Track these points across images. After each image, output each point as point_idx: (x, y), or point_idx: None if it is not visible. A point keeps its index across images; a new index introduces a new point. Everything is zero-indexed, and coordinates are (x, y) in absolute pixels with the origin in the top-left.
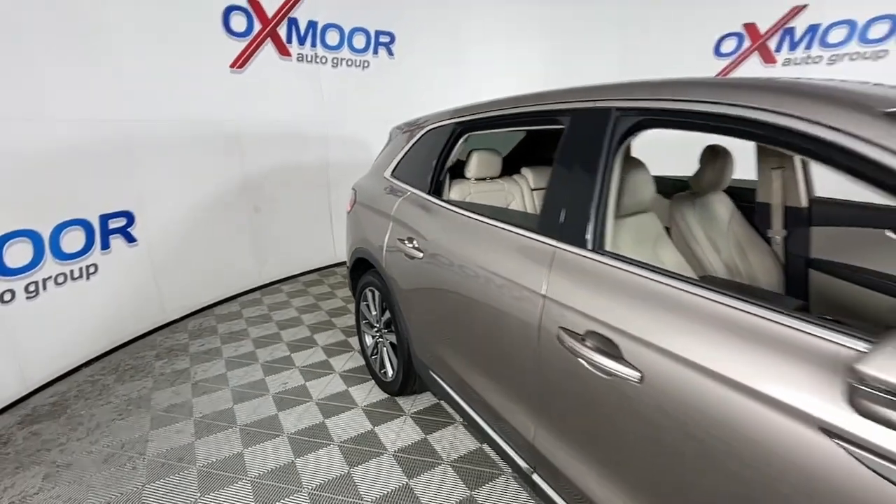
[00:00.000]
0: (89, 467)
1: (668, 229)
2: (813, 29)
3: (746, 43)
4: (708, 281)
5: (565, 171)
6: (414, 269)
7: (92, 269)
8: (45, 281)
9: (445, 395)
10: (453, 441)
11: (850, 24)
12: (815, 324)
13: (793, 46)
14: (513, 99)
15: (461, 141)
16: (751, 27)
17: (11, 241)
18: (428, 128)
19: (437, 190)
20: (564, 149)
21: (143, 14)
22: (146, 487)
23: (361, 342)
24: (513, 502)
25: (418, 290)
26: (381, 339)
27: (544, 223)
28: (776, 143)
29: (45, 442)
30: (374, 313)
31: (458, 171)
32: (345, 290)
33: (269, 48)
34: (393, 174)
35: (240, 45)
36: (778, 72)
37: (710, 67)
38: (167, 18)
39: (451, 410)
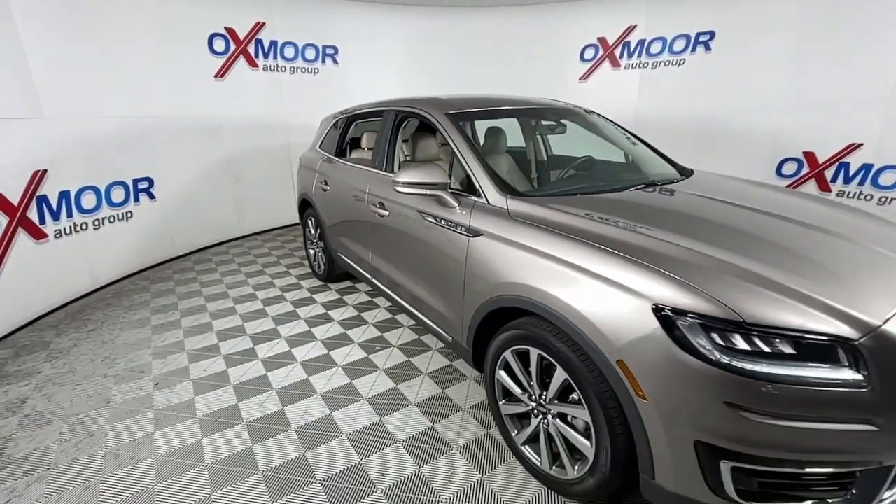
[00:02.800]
0: (142, 319)
1: None
2: (641, 43)
3: (601, 52)
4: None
5: (381, 138)
6: (326, 198)
7: (129, 215)
8: (103, 219)
9: (347, 265)
10: (374, 317)
11: (662, 40)
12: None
13: (630, 55)
14: (368, 104)
15: (352, 126)
16: (603, 40)
17: (85, 192)
18: (335, 118)
19: (340, 153)
20: (382, 128)
21: (157, 45)
22: (184, 328)
23: (307, 253)
24: (434, 379)
25: (329, 209)
26: (315, 249)
27: (373, 163)
28: (423, 120)
29: (116, 308)
30: (312, 233)
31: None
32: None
33: (241, 62)
34: (319, 146)
35: (220, 61)
36: (622, 74)
37: (577, 70)
38: (172, 45)
39: (360, 287)
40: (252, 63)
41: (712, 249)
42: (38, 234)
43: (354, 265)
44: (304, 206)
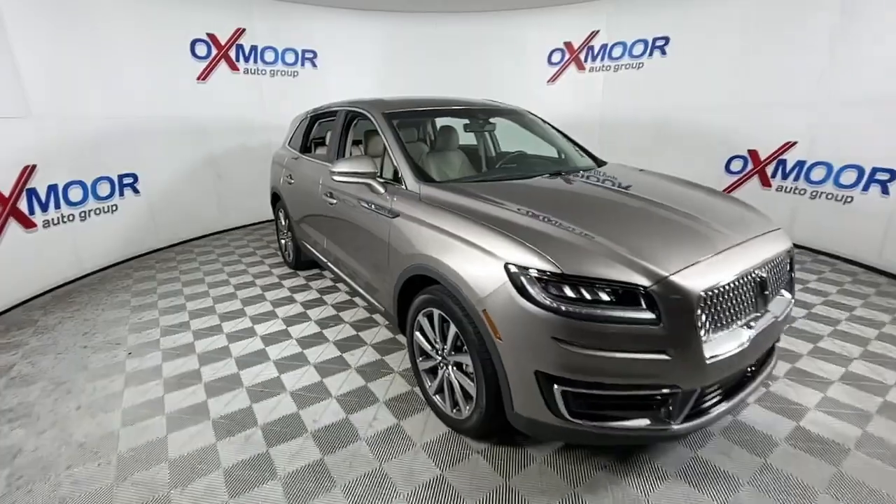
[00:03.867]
0: (123, 301)
1: None
2: (603, 47)
3: (567, 55)
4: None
5: (334, 135)
6: (291, 191)
7: (115, 208)
8: (90, 211)
9: (310, 252)
10: (333, 299)
11: (623, 44)
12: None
13: (593, 59)
14: (327, 105)
15: (315, 125)
16: (569, 44)
17: (72, 186)
18: (302, 118)
19: (305, 150)
20: (334, 126)
21: (141, 49)
22: (160, 308)
23: (279, 243)
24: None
25: (294, 201)
26: (285, 238)
27: (327, 158)
28: (365, 118)
29: (99, 292)
30: (282, 224)
31: (322, 142)
32: None
33: (223, 66)
34: (288, 144)
35: (203, 64)
36: (587, 76)
37: (546, 72)
38: (155, 50)
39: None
40: (233, 67)
41: (562, 221)
42: (27, 224)
43: (313, 250)
44: (275, 199)
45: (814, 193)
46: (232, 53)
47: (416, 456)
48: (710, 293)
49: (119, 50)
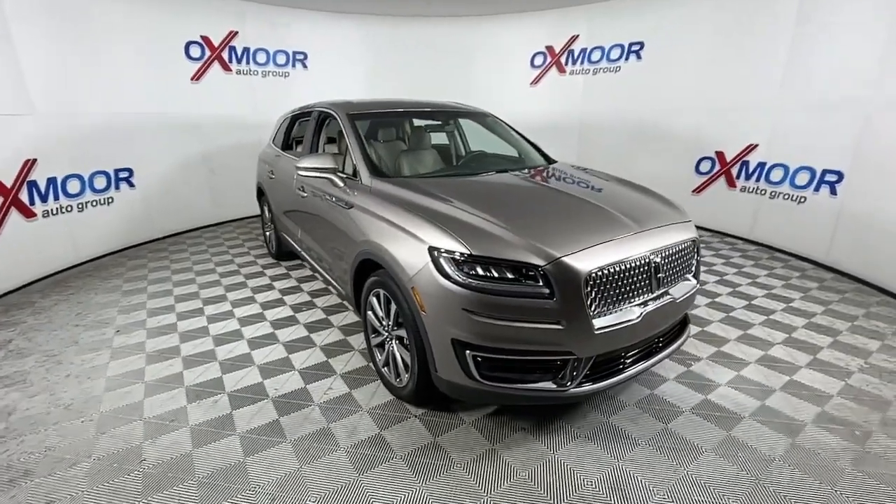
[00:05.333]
0: (115, 286)
1: None
2: (583, 51)
3: (548, 59)
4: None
5: (308, 133)
6: (272, 185)
7: (111, 200)
8: (87, 203)
9: (288, 243)
10: (311, 286)
11: (601, 48)
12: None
13: (574, 62)
14: (304, 106)
15: (296, 124)
16: (550, 48)
17: (70, 179)
18: (285, 117)
19: (286, 147)
20: (309, 125)
21: (138, 50)
22: (149, 292)
23: (264, 234)
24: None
25: (274, 194)
26: (269, 230)
27: (301, 154)
28: (330, 118)
29: (94, 278)
30: (267, 216)
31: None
32: None
33: (216, 66)
34: (272, 142)
35: (196, 65)
36: (568, 79)
37: (529, 75)
38: (151, 51)
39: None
40: (226, 68)
41: (482, 212)
42: (28, 213)
43: (291, 241)
44: (260, 193)
45: (773, 194)
46: (225, 55)
47: (360, 418)
48: (598, 274)
49: (116, 51)
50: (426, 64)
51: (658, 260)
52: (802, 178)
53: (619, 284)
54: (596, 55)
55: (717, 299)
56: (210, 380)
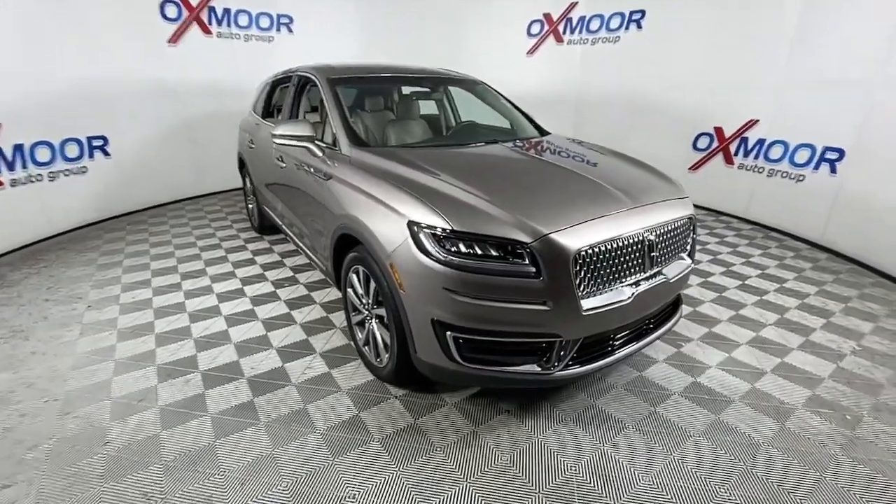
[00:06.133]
0: (90, 259)
1: None
2: (581, 19)
3: (546, 27)
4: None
5: (288, 99)
6: (252, 155)
7: (84, 170)
8: (59, 172)
9: (270, 216)
10: (293, 262)
11: (601, 17)
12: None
13: (572, 31)
14: (285, 70)
15: (277, 90)
16: (548, 16)
17: (39, 146)
18: (266, 83)
19: (267, 115)
20: (289, 91)
21: (109, 10)
22: (124, 266)
23: (247, 207)
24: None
25: (255, 165)
26: (252, 204)
27: (280, 122)
28: (311, 84)
29: (69, 251)
30: (248, 188)
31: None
32: None
33: (195, 29)
34: (253, 109)
35: (173, 27)
36: (566, 49)
37: (525, 44)
38: (123, 11)
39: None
40: (206, 30)
41: (467, 185)
42: None
43: (272, 214)
44: (241, 163)
45: (771, 171)
46: (204, 16)
47: (339, 399)
48: (588, 252)
49: (86, 9)
50: (418, 30)
51: (652, 238)
52: (802, 156)
53: (610, 263)
54: (595, 24)
55: (709, 279)
56: (183, 358)
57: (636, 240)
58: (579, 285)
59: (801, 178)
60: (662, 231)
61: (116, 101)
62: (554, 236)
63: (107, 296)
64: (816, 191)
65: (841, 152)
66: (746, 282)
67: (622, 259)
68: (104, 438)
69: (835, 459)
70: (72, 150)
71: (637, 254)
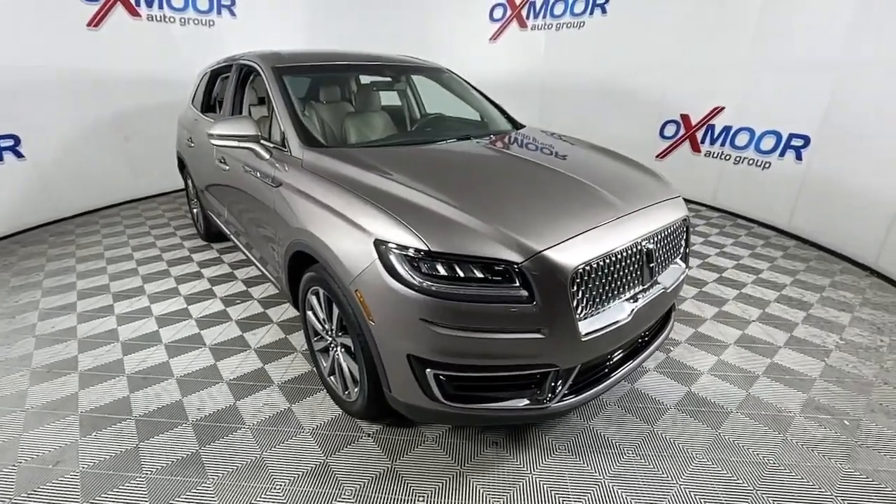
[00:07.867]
0: (0, 281)
1: None
2: (545, 3)
3: (509, 11)
4: None
5: (229, 91)
6: (192, 155)
7: None
8: None
9: (217, 224)
10: (244, 273)
11: (565, 1)
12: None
13: (535, 16)
14: (225, 58)
15: (217, 81)
16: (511, 0)
17: None
18: (204, 73)
19: (207, 109)
20: (230, 82)
21: None
22: (46, 285)
23: (191, 212)
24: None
25: (195, 167)
26: (197, 209)
27: (219, 118)
28: (254, 73)
29: None
30: (191, 191)
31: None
32: None
33: (120, 10)
34: (192, 103)
35: (93, 7)
36: (529, 35)
37: (488, 29)
38: None
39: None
40: (133, 12)
41: (441, 193)
42: None
43: (218, 221)
44: (182, 164)
45: (737, 159)
46: None
47: (302, 442)
48: (587, 268)
49: None
50: (374, 16)
51: (651, 246)
52: (768, 143)
53: (608, 279)
54: (559, 8)
55: (688, 273)
56: (113, 401)
57: (635, 250)
58: (577, 307)
59: (767, 164)
60: (660, 238)
61: (27, 93)
62: (548, 253)
63: (19, 326)
64: (782, 178)
65: (806, 139)
66: (724, 274)
67: (620, 273)
68: None
69: (841, 473)
70: None
71: (636, 265)
